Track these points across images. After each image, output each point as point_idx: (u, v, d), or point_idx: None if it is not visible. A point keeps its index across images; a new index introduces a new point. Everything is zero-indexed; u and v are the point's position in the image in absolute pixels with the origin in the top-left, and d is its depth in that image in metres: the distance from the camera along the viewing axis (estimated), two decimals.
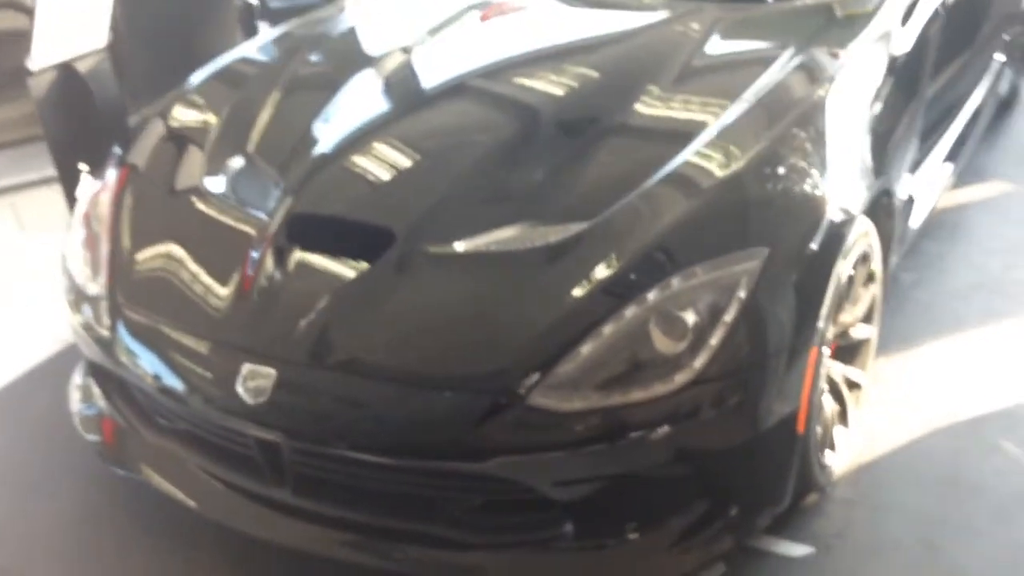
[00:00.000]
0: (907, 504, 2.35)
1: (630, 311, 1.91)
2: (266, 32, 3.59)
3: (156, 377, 2.15)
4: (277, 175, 2.41)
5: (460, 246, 2.09)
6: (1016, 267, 3.21)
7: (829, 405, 2.34)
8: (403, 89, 2.74)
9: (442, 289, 2.06)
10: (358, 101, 2.64)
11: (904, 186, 2.68)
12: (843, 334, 2.39)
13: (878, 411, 2.62)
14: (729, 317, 1.91)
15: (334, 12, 3.31)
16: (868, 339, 2.50)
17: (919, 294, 3.10)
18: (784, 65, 2.46)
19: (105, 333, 2.23)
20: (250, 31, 3.98)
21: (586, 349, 1.89)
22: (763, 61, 2.50)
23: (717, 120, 2.27)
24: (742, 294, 1.92)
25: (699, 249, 1.98)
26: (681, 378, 1.88)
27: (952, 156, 3.27)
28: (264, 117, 2.62)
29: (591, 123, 2.39)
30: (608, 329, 1.90)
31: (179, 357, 2.13)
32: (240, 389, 1.99)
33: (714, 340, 1.90)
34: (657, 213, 2.06)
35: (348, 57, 2.94)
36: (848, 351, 2.44)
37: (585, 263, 1.99)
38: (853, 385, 2.46)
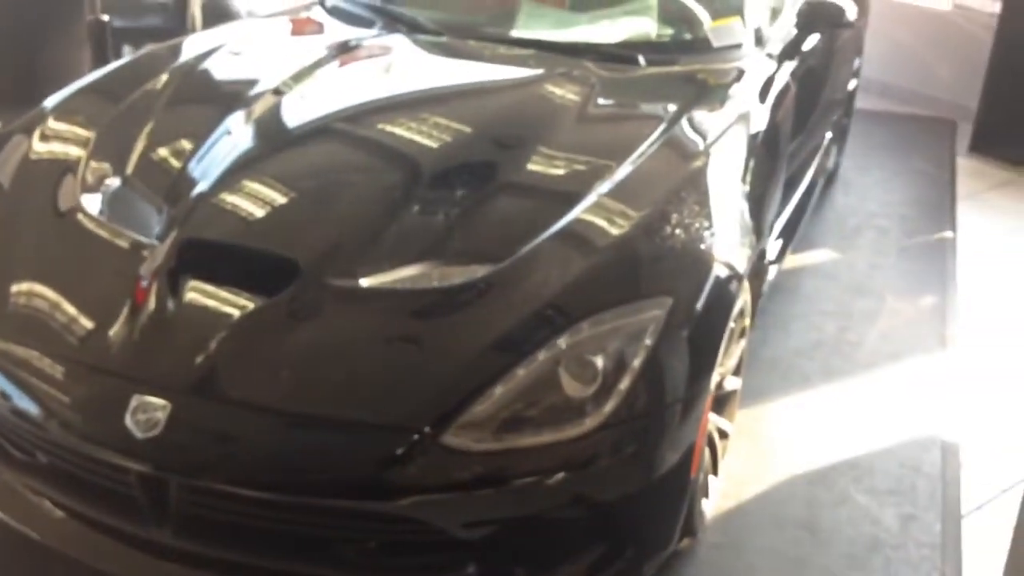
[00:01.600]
0: (770, 548, 2.47)
1: (542, 355, 1.93)
2: (129, 55, 3.44)
3: (23, 408, 1.98)
4: (161, 201, 2.31)
5: (365, 282, 2.06)
6: (849, 329, 3.47)
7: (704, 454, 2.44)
8: (277, 130, 2.64)
9: (349, 324, 2.01)
10: (235, 140, 2.52)
11: (767, 248, 2.86)
12: (718, 385, 2.50)
13: (739, 460, 2.75)
14: (636, 363, 1.96)
15: (198, 43, 3.18)
16: (736, 390, 2.63)
17: (767, 351, 3.29)
18: (667, 129, 2.58)
19: None
20: (101, 47, 3.80)
21: (499, 390, 1.89)
22: (647, 124, 2.61)
23: (610, 177, 2.34)
24: (648, 341, 1.98)
25: (606, 296, 2.03)
26: (592, 421, 1.91)
27: (793, 223, 3.51)
28: (140, 144, 2.50)
29: (486, 177, 2.40)
30: (521, 371, 1.91)
31: (53, 387, 1.98)
32: (128, 422, 1.87)
33: (622, 386, 1.94)
34: (563, 260, 2.11)
35: (222, 93, 2.84)
36: (720, 401, 2.55)
37: (495, 306, 2.01)
38: (723, 434, 2.58)
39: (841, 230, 4.24)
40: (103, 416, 1.91)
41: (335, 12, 3.35)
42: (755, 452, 2.80)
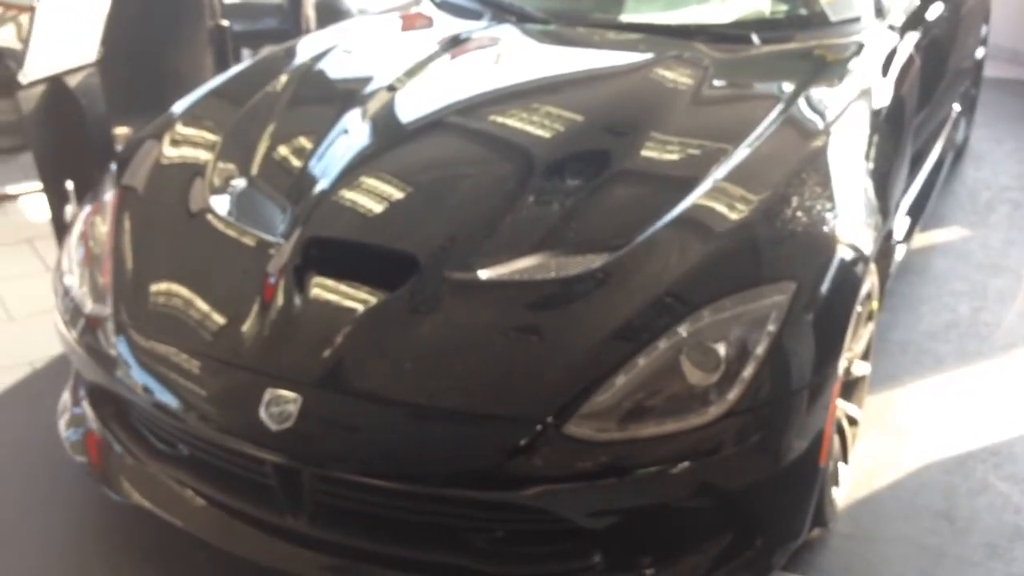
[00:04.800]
0: (905, 537, 2.39)
1: (663, 343, 1.91)
2: (249, 58, 3.53)
3: (164, 400, 2.07)
4: (285, 200, 2.36)
5: (484, 274, 2.07)
6: (984, 310, 3.32)
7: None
8: (393, 126, 2.67)
9: (470, 316, 2.02)
10: (352, 138, 2.55)
11: (895, 228, 2.76)
12: (846, 371, 2.43)
13: (871, 448, 2.67)
14: (760, 350, 1.92)
15: (313, 43, 3.24)
16: (865, 376, 2.55)
17: (897, 335, 3.18)
18: (784, 109, 2.51)
19: (110, 354, 2.14)
20: (222, 53, 3.92)
21: (620, 380, 1.88)
22: (763, 105, 2.54)
23: (724, 163, 2.29)
24: (772, 327, 1.94)
25: (728, 282, 1.99)
26: (716, 410, 1.88)
27: (921, 200, 3.38)
28: (263, 145, 2.56)
29: (600, 164, 2.37)
30: (642, 360, 1.89)
31: (191, 381, 2.05)
32: (263, 415, 1.93)
33: (746, 373, 1.90)
34: (683, 246, 2.08)
35: (338, 92, 2.88)
36: (848, 387, 2.48)
37: (614, 295, 1.99)
38: (852, 421, 2.51)
39: (973, 206, 4.06)
40: (239, 409, 1.98)
41: (444, 6, 3.37)
42: (887, 439, 2.71)
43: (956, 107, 3.89)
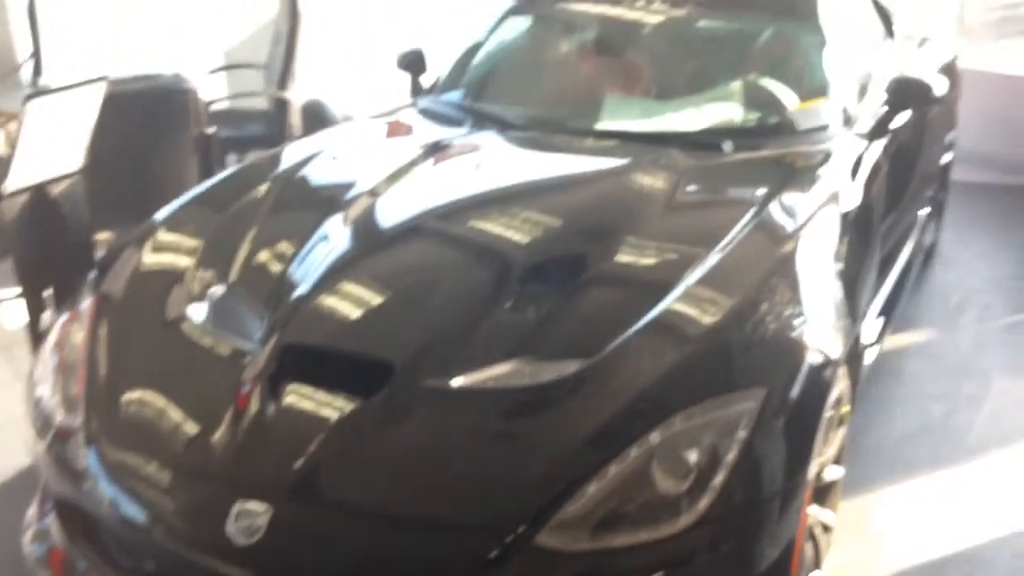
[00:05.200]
0: None
1: (634, 450, 1.92)
2: (234, 164, 3.60)
3: (131, 514, 2.05)
4: (263, 306, 2.39)
5: (458, 381, 2.09)
6: (956, 412, 3.36)
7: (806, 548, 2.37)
8: (373, 231, 2.71)
9: (443, 425, 2.04)
10: (333, 243, 2.58)
11: (865, 332, 2.81)
12: (817, 476, 2.44)
13: (846, 554, 2.66)
14: (731, 457, 1.94)
15: (298, 150, 3.30)
16: (838, 481, 2.56)
17: (871, 438, 3.20)
18: (755, 215, 2.58)
19: (79, 466, 2.13)
20: (207, 160, 4.00)
21: (592, 488, 1.89)
22: (735, 211, 2.61)
23: (697, 268, 2.33)
24: (742, 434, 1.96)
25: (698, 389, 2.02)
26: (687, 519, 1.89)
27: (892, 303, 3.44)
28: (243, 251, 2.59)
29: (575, 269, 2.42)
30: (614, 468, 1.90)
31: (160, 494, 2.04)
32: (230, 529, 1.92)
33: (717, 481, 1.92)
34: (654, 353, 2.11)
35: (320, 198, 2.93)
36: (821, 493, 2.48)
37: (586, 402, 2.01)
38: (826, 527, 2.51)
39: (943, 308, 4.13)
40: (206, 522, 1.96)
41: (427, 113, 3.47)
42: (861, 545, 2.72)
43: (924, 211, 3.98)
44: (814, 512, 2.43)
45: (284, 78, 4.62)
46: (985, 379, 3.57)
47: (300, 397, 2.11)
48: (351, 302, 2.37)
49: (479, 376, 2.10)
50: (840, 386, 2.35)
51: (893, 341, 3.77)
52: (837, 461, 2.54)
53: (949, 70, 4.28)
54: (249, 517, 1.92)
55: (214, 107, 5.03)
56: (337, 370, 2.17)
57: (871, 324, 3.11)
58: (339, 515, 1.95)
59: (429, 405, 2.07)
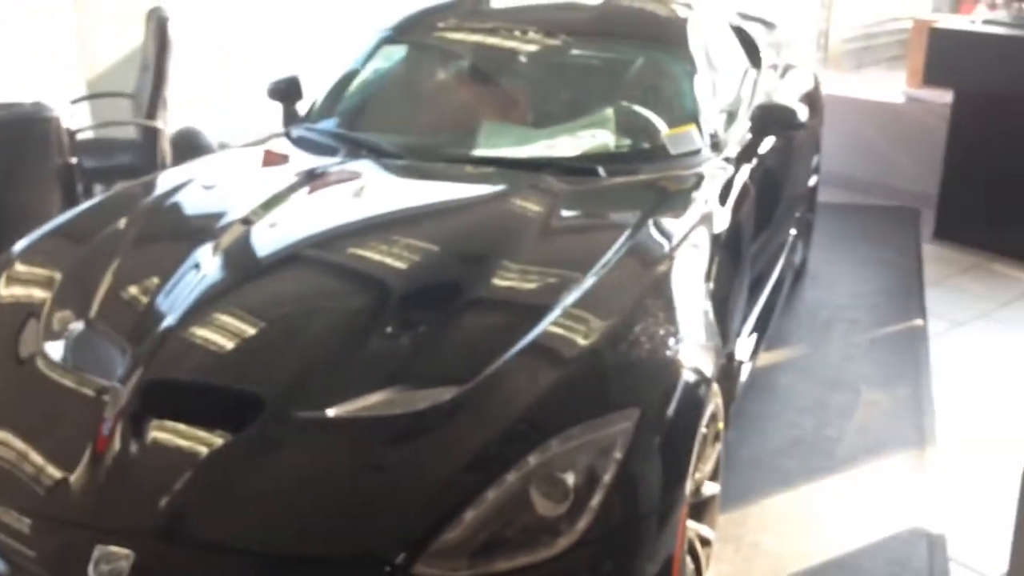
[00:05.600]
0: None
1: (511, 475, 1.92)
2: (98, 196, 3.47)
3: None
4: (125, 341, 2.30)
5: (331, 412, 2.05)
6: (827, 424, 3.46)
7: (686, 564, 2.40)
8: (246, 260, 2.66)
9: (316, 457, 2.00)
10: (203, 272, 2.52)
11: (737, 350, 2.88)
12: (695, 492, 2.48)
13: (725, 567, 2.71)
14: (608, 478, 1.95)
15: (167, 179, 3.23)
16: (715, 495, 2.61)
17: (746, 452, 3.27)
18: (629, 238, 2.63)
19: None
20: (69, 190, 3.85)
21: (470, 515, 1.88)
22: (609, 235, 2.65)
23: (572, 291, 2.36)
24: (618, 455, 1.98)
25: (575, 411, 2.03)
26: (564, 541, 1.89)
27: (764, 321, 3.54)
28: (105, 284, 2.50)
29: (452, 295, 2.41)
30: (491, 494, 1.90)
31: (19, 542, 1.94)
32: (92, 574, 1.83)
33: (594, 502, 1.93)
34: (530, 377, 2.11)
35: (189, 227, 2.86)
36: (699, 508, 2.53)
37: (463, 428, 2.00)
38: (705, 542, 2.54)
39: (812, 324, 4.27)
40: (66, 570, 1.88)
41: (300, 142, 3.42)
42: (739, 558, 2.77)
43: (793, 232, 4.12)
44: (693, 527, 2.47)
45: (153, 106, 4.49)
46: (853, 391, 3.69)
47: (165, 434, 2.04)
48: (220, 334, 2.30)
49: (353, 406, 2.07)
50: (714, 403, 2.40)
51: (767, 358, 3.88)
52: (714, 477, 2.59)
53: (812, 96, 4.46)
54: (110, 562, 1.84)
55: (81, 136, 4.88)
56: (205, 405, 2.11)
57: (744, 342, 3.19)
58: (207, 555, 1.89)
59: (302, 437, 2.03)
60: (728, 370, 2.66)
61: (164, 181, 3.18)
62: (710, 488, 2.57)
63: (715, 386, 2.42)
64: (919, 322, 4.27)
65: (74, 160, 3.87)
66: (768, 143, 3.54)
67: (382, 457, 1.99)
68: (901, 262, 4.93)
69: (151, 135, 4.53)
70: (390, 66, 3.76)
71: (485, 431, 2.00)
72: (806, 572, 2.73)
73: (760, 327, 3.49)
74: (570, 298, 2.33)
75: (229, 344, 2.27)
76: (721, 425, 2.54)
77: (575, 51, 3.65)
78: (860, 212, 5.66)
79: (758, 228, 3.34)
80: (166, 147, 4.58)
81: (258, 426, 2.02)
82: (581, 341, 2.20)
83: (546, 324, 2.24)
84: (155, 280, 2.50)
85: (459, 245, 2.65)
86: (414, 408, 2.04)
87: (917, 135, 5.63)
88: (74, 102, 4.82)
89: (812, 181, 4.71)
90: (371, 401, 2.08)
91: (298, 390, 2.10)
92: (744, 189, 3.18)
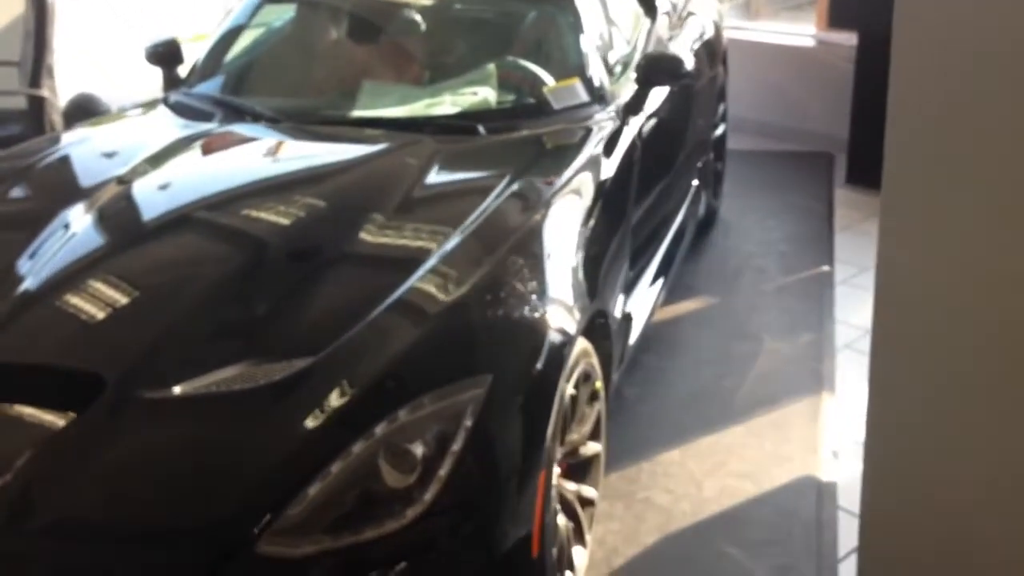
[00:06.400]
0: None
1: (358, 447, 1.87)
2: None
3: None
4: None
5: (178, 389, 1.98)
6: (727, 375, 3.45)
7: (564, 524, 2.37)
8: (120, 222, 2.61)
9: (159, 437, 1.93)
10: (69, 236, 2.47)
11: (620, 306, 2.84)
12: (573, 452, 2.45)
13: (614, 525, 2.70)
14: (457, 446, 1.91)
15: (45, 143, 3.16)
16: (597, 455, 2.57)
17: (643, 408, 3.25)
18: (500, 193, 2.57)
19: None
20: None
21: (313, 490, 1.83)
22: (482, 190, 2.60)
23: (438, 249, 2.33)
24: (468, 422, 1.93)
25: (425, 379, 1.98)
26: (412, 512, 1.85)
27: (661, 274, 3.50)
28: None
29: (315, 254, 2.38)
30: (336, 467, 1.85)
31: None
32: None
33: (443, 471, 1.88)
34: (382, 344, 2.06)
35: (58, 189, 2.80)
36: (579, 469, 2.49)
37: (309, 400, 1.95)
38: (586, 502, 2.51)
39: (722, 274, 4.25)
40: None
41: (177, 107, 3.30)
42: (629, 515, 2.75)
43: (695, 182, 4.08)
44: (572, 488, 2.44)
45: (37, 75, 4.32)
46: (756, 341, 3.68)
47: (2, 418, 1.95)
48: (73, 309, 2.22)
49: (202, 382, 2.00)
50: (584, 363, 2.36)
51: (672, 310, 3.86)
52: (594, 436, 2.56)
53: (712, 45, 4.40)
54: None
55: None
56: (46, 387, 2.03)
57: (639, 296, 3.16)
58: (46, 540, 1.82)
59: (145, 416, 1.96)
60: (606, 328, 2.62)
61: (43, 144, 3.09)
62: (590, 448, 2.54)
63: (587, 345, 2.38)
64: (826, 268, 4.27)
65: None
66: (661, 94, 3.49)
67: (228, 434, 1.93)
68: (813, 208, 4.92)
69: (37, 104, 4.36)
70: (270, 25, 3.64)
71: (332, 403, 1.94)
72: (694, 526, 2.72)
73: (659, 280, 3.46)
74: (430, 260, 2.28)
75: (82, 317, 2.20)
76: (599, 384, 2.50)
77: (459, 5, 3.56)
78: (774, 159, 5.63)
79: (648, 181, 3.29)
80: (55, 116, 4.41)
81: (98, 407, 1.95)
82: (437, 304, 2.16)
83: (404, 288, 2.19)
84: (12, 249, 2.43)
85: (326, 207, 2.59)
86: (261, 382, 1.98)
87: (827, 79, 5.60)
88: None
89: (719, 131, 4.67)
90: (220, 376, 2.01)
91: (145, 368, 2.04)
92: (632, 142, 3.13)
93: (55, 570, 1.81)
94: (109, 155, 2.99)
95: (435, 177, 2.74)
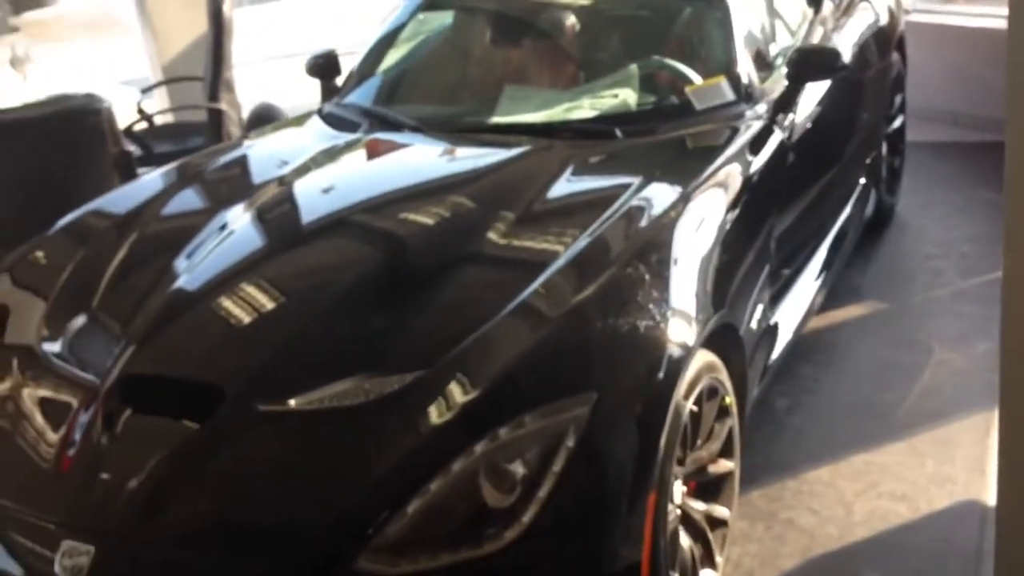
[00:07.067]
0: None
1: (458, 464, 1.86)
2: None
3: None
4: (120, 330, 2.35)
5: (294, 402, 2.03)
6: (888, 388, 3.23)
7: (688, 546, 2.28)
8: (277, 225, 2.72)
9: (267, 450, 1.99)
10: (223, 239, 2.58)
11: (759, 316, 2.70)
12: (700, 471, 2.35)
13: (752, 546, 2.57)
14: (558, 466, 1.86)
15: (218, 150, 3.32)
16: (730, 473, 2.46)
17: (794, 419, 3.09)
18: (630, 197, 2.50)
19: None
20: (130, 179, 3.97)
21: (413, 507, 1.83)
22: (612, 194, 2.54)
23: (564, 252, 2.29)
24: (570, 442, 1.88)
25: (528, 397, 1.95)
26: (511, 533, 1.82)
27: (817, 279, 3.32)
28: (113, 266, 2.58)
29: (445, 255, 2.39)
30: (436, 485, 1.84)
31: None
32: (58, 569, 1.88)
33: (543, 492, 1.85)
34: (490, 358, 2.04)
35: (219, 191, 2.96)
36: (709, 488, 2.39)
37: (411, 417, 1.95)
38: (717, 523, 2.41)
39: (893, 276, 3.98)
40: (35, 566, 1.93)
41: (328, 118, 3.39)
42: (768, 536, 2.61)
43: (861, 180, 3.84)
44: (701, 508, 2.34)
45: (215, 89, 4.57)
46: (925, 350, 3.43)
47: (135, 427, 2.07)
48: (208, 317, 2.33)
49: (315, 396, 2.04)
50: (711, 378, 2.26)
51: (834, 316, 3.66)
52: (726, 454, 2.45)
53: (886, 33, 4.13)
54: (74, 556, 1.89)
55: (160, 121, 5.03)
56: (174, 397, 2.13)
57: (787, 303, 3.00)
58: (165, 548, 1.91)
59: (262, 429, 2.02)
60: (737, 340, 2.50)
61: (216, 151, 3.27)
62: (723, 466, 2.43)
63: (712, 359, 2.28)
64: None
65: (131, 148, 3.98)
66: (819, 88, 3.30)
67: (333, 448, 1.96)
68: (1001, 205, 4.51)
69: (216, 117, 4.62)
70: (420, 34, 3.69)
71: (437, 419, 1.94)
72: (839, 551, 2.56)
73: (814, 285, 3.28)
74: (553, 265, 2.25)
75: (214, 327, 2.29)
76: (728, 400, 2.39)
77: (608, 6, 3.49)
78: (961, 151, 5.22)
79: (801, 181, 3.13)
80: (232, 128, 4.66)
81: (218, 419, 2.02)
82: (549, 313, 2.13)
83: (520, 299, 2.16)
84: (168, 254, 2.56)
85: (455, 212, 2.59)
86: (370, 397, 2.00)
87: None
88: (144, 91, 4.97)
89: (896, 123, 4.38)
90: (334, 390, 2.04)
91: (265, 379, 2.10)
92: (781, 142, 2.97)
93: (166, 570, 1.89)
94: (264, 164, 3.11)
95: (566, 181, 2.70)
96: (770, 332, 2.83)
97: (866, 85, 3.82)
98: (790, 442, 2.99)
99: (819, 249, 3.37)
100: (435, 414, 1.94)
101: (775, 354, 2.89)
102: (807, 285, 3.23)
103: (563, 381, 1.99)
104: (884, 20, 4.14)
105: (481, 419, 1.92)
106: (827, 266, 3.41)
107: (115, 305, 2.47)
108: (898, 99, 4.39)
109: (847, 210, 3.66)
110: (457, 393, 1.97)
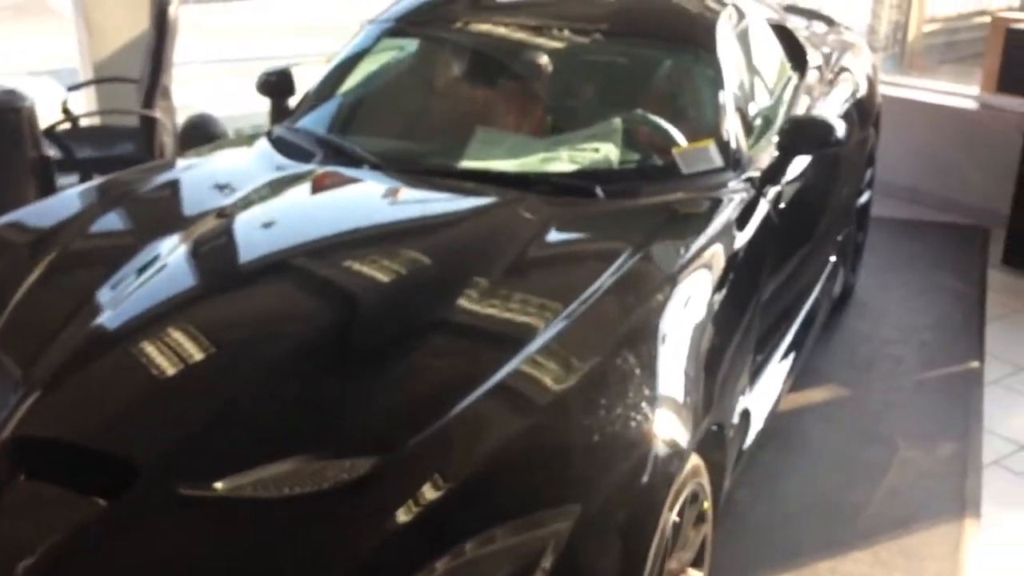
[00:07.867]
0: None
1: None
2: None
3: None
4: (20, 371, 2.03)
5: (220, 485, 1.73)
6: (852, 485, 3.04)
7: None
8: (215, 264, 2.42)
9: (188, 543, 1.68)
10: (154, 273, 2.29)
11: (739, 406, 2.49)
12: None
13: None
14: None
15: (155, 168, 3.02)
16: None
17: (754, 515, 2.88)
18: (617, 270, 2.26)
19: None
20: (46, 184, 3.61)
21: None
22: (597, 265, 2.30)
23: (543, 330, 2.04)
24: (547, 563, 1.62)
25: (501, 506, 1.68)
26: None
27: (788, 362, 3.13)
28: (21, 291, 2.27)
29: (408, 318, 2.12)
30: None
31: None
32: None
33: None
34: (457, 452, 1.77)
35: (152, 216, 2.65)
36: None
37: (361, 518, 1.67)
38: None
39: (851, 361, 3.82)
40: None
41: (277, 143, 3.09)
42: None
43: (832, 258, 3.68)
44: None
45: (150, 94, 4.22)
46: (889, 446, 3.26)
47: (26, 498, 1.75)
48: (115, 374, 2.02)
49: (248, 479, 1.74)
50: (694, 483, 2.02)
51: (795, 400, 3.47)
52: (697, 563, 2.21)
53: (865, 104, 4.00)
54: None
55: (85, 123, 4.66)
56: (79, 467, 1.81)
57: (760, 387, 2.80)
58: None
59: (178, 516, 1.71)
60: (720, 438, 2.27)
61: (152, 168, 2.99)
62: None
63: (698, 462, 2.05)
64: (975, 364, 3.79)
65: (51, 152, 3.62)
66: (804, 160, 3.13)
67: (261, 550, 1.66)
68: (961, 290, 4.43)
69: (149, 124, 4.27)
70: (384, 60, 3.42)
71: (393, 521, 1.66)
72: None
73: (785, 368, 3.09)
74: (531, 345, 1.99)
75: (136, 376, 1.98)
76: (706, 505, 2.16)
77: (587, 51, 3.26)
78: (922, 230, 5.14)
79: (782, 259, 2.94)
80: (165, 138, 4.31)
81: (128, 499, 1.71)
82: (527, 405, 1.87)
83: (493, 380, 1.90)
84: (83, 288, 2.27)
85: (423, 267, 2.33)
86: (309, 489, 1.71)
87: (991, 147, 5.10)
88: (71, 89, 4.59)
89: (864, 198, 4.26)
90: (272, 472, 1.75)
91: (188, 453, 1.80)
92: (766, 216, 2.78)
93: None
94: (204, 190, 2.80)
95: (546, 243, 2.45)
96: (744, 420, 2.62)
97: (846, 159, 3.67)
98: (750, 542, 2.77)
99: (791, 330, 3.19)
100: (392, 517, 1.66)
101: (747, 443, 2.67)
102: (780, 368, 3.04)
103: (542, 488, 1.73)
104: (864, 91, 4.01)
105: (446, 528, 1.65)
106: (797, 347, 3.23)
107: (17, 338, 2.15)
108: (869, 173, 4.27)
109: (818, 288, 3.50)
110: (420, 491, 1.69)
